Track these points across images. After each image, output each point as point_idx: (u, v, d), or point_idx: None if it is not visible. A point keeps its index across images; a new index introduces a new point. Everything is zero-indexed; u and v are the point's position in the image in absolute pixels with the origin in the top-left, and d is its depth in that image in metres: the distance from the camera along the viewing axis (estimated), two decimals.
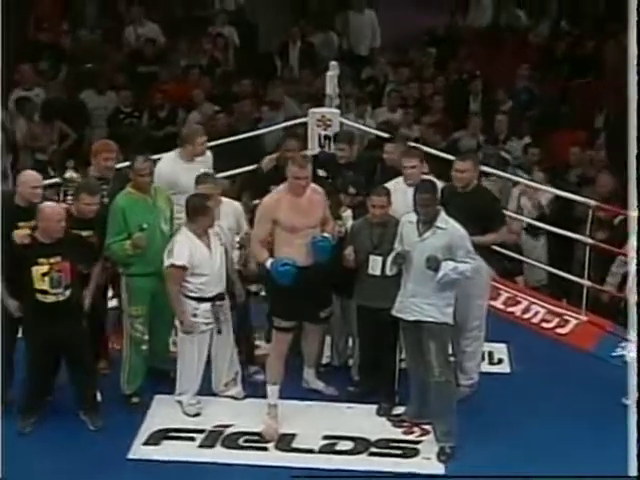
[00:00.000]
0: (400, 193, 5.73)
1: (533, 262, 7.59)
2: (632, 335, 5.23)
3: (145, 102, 10.03)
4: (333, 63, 7.79)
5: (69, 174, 5.97)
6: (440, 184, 5.71)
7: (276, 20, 12.50)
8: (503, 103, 10.05)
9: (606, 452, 5.08)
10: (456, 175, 5.73)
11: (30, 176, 5.57)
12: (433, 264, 5.21)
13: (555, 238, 7.52)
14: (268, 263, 5.43)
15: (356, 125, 7.54)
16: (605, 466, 4.96)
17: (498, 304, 7.01)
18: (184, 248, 5.43)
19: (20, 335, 5.59)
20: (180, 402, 5.75)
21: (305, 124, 7.41)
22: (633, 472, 4.34)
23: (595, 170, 8.11)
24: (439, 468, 5.34)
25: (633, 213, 5.20)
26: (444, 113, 9.88)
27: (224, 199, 5.87)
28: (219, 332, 5.64)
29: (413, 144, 6.45)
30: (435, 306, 5.33)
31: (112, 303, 6.13)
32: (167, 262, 5.45)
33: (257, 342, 6.25)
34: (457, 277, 5.29)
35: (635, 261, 4.60)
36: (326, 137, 7.24)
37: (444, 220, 5.31)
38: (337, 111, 7.37)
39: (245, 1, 13.09)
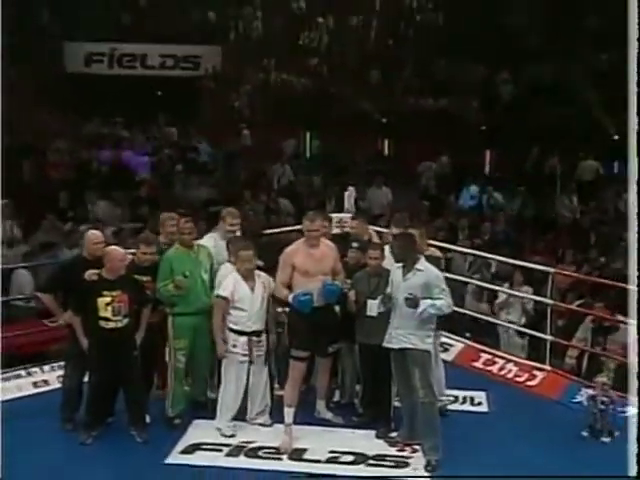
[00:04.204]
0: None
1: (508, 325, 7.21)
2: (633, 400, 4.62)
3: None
4: (350, 188, 7.66)
5: None
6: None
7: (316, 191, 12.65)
8: (484, 234, 9.79)
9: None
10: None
11: (93, 235, 5.31)
12: (412, 303, 4.81)
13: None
14: (290, 297, 5.06)
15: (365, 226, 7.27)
16: None
17: (479, 364, 6.43)
18: (229, 284, 5.12)
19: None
20: (219, 428, 5.20)
21: None
22: (633, 472, 3.56)
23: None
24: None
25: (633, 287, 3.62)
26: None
27: None
28: (251, 362, 5.17)
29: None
30: (417, 336, 4.88)
31: None
32: (215, 293, 5.17)
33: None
34: (435, 312, 4.87)
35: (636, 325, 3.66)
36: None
37: (423, 264, 4.96)
38: (350, 215, 7.16)
39: (295, 179, 13.31)
